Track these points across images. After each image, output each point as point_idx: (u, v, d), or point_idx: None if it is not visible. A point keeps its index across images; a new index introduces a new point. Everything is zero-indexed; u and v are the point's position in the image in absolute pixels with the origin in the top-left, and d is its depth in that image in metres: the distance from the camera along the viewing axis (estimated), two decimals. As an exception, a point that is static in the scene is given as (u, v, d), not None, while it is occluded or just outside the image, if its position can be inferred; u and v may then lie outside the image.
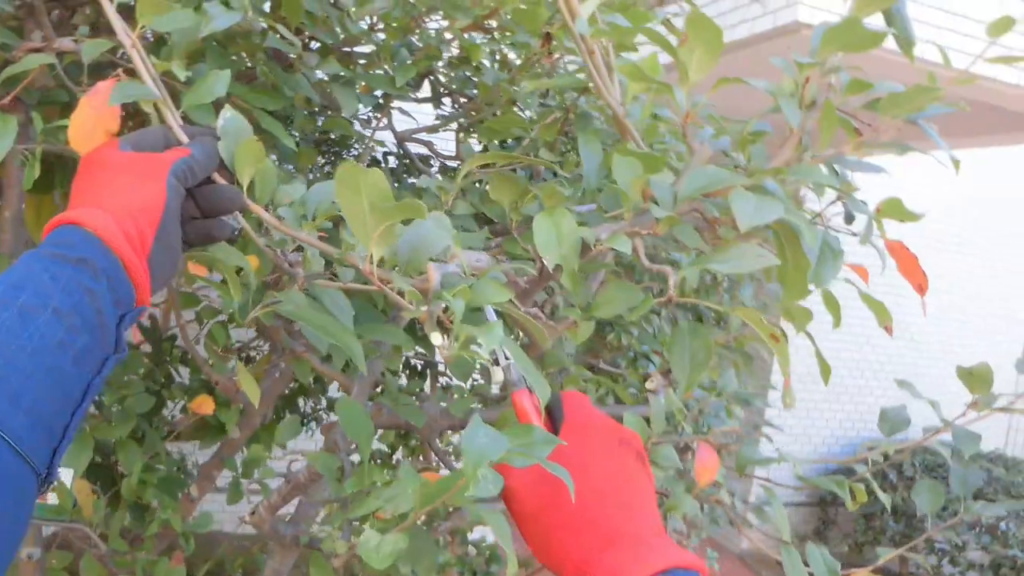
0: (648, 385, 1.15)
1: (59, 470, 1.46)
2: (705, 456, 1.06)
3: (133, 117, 1.24)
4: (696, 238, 0.81)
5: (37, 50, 1.18)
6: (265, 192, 0.91)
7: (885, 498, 1.35)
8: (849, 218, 1.15)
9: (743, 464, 1.31)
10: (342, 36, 1.48)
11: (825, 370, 1.49)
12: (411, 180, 1.90)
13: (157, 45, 1.35)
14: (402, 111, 1.93)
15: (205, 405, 1.44)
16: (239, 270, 0.93)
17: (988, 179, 7.03)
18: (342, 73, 1.39)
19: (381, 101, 1.70)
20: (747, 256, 0.74)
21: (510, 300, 0.76)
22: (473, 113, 1.70)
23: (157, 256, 0.75)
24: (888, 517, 4.76)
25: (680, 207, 0.79)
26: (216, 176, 0.85)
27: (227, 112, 0.93)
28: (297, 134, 1.74)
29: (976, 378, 1.12)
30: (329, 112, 1.71)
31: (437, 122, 1.80)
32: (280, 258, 0.98)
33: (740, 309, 0.75)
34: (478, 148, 1.84)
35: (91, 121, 0.91)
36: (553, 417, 0.79)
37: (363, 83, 1.56)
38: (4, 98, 1.14)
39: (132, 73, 0.97)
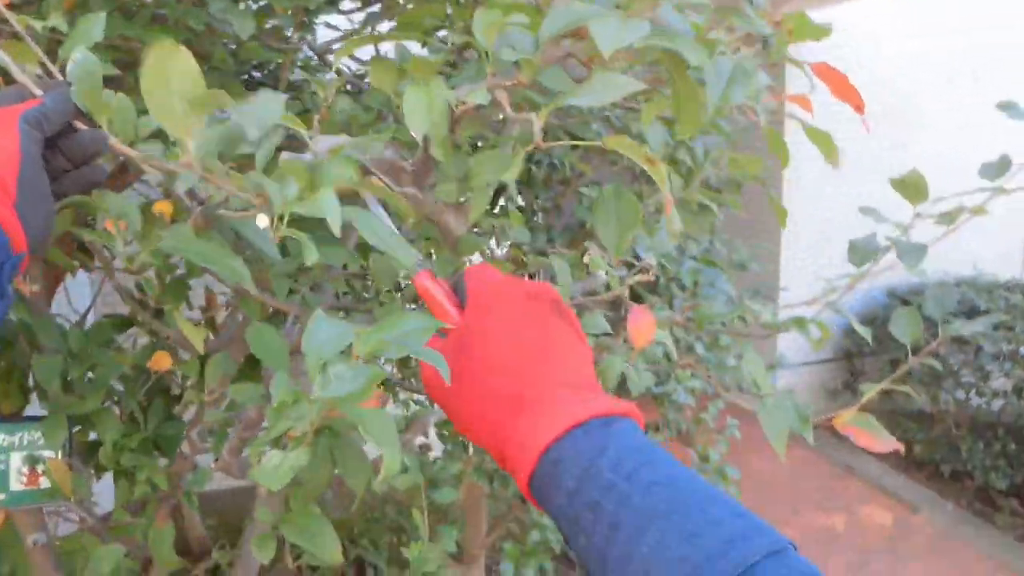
0: (585, 259, 1.10)
1: (44, 453, 1.45)
2: (638, 317, 1.01)
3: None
4: (564, 80, 0.75)
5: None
6: (126, 129, 0.87)
7: (864, 331, 1.30)
8: (764, 43, 1.08)
9: (702, 321, 1.27)
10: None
11: (781, 214, 1.44)
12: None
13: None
14: (329, 25, 1.86)
15: (162, 361, 1.42)
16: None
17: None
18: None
19: (304, 20, 1.64)
20: (610, 85, 0.68)
21: (381, 180, 0.72)
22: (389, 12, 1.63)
23: (26, 205, 0.72)
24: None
25: (544, 52, 0.73)
26: (78, 124, 0.82)
27: (77, 54, 0.89)
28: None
29: (910, 187, 1.06)
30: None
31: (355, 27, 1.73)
32: (177, 194, 0.94)
33: (612, 140, 0.70)
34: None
35: None
36: (458, 291, 0.76)
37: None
38: None
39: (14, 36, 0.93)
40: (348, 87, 1.78)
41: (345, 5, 1.76)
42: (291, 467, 0.66)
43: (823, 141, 1.11)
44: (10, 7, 1.27)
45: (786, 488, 4.25)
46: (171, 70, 0.61)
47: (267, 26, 1.73)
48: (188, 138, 0.63)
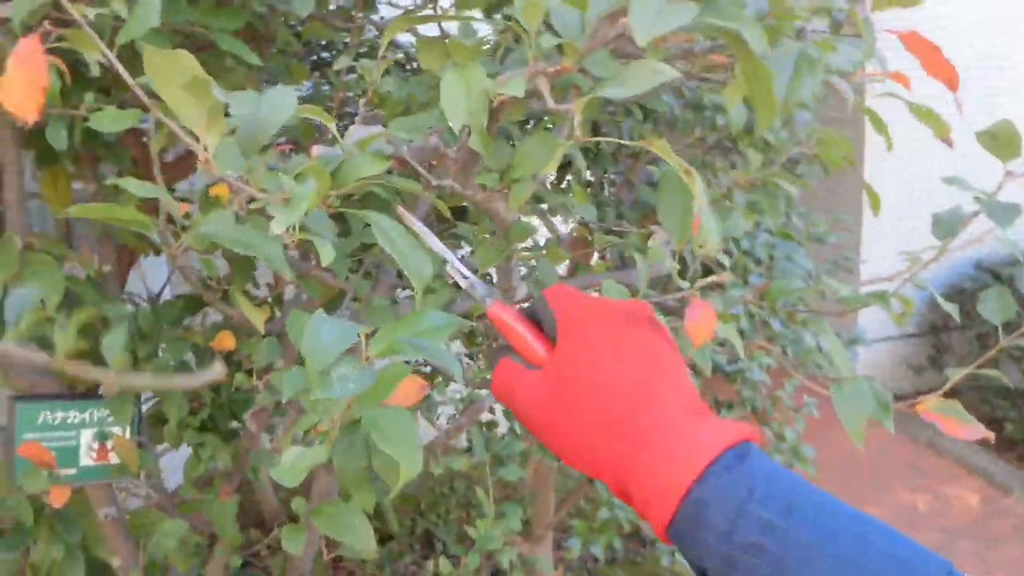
0: (651, 242, 1.06)
1: (113, 429, 1.48)
2: (698, 311, 0.96)
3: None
4: (612, 65, 0.71)
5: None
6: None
7: (951, 307, 1.24)
8: (835, 26, 1.02)
9: (774, 298, 1.21)
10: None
11: (875, 201, 1.37)
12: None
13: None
14: (392, 4, 1.84)
15: (226, 341, 1.42)
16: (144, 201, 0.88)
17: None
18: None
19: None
20: (642, 74, 0.63)
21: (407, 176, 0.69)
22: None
23: None
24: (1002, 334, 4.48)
25: (592, 35, 0.69)
26: None
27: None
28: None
29: (1000, 140, 0.98)
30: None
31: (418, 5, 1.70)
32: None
33: (650, 141, 0.65)
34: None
35: (22, 80, 0.88)
36: (542, 320, 0.70)
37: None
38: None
39: (68, 24, 0.93)
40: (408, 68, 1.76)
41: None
42: (309, 464, 0.64)
43: (930, 118, 1.05)
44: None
45: (867, 466, 4.14)
46: (173, 67, 0.59)
47: (332, 7, 1.72)
48: (206, 135, 0.61)
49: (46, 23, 1.00)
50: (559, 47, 0.69)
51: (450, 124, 0.72)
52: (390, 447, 0.58)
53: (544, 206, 1.75)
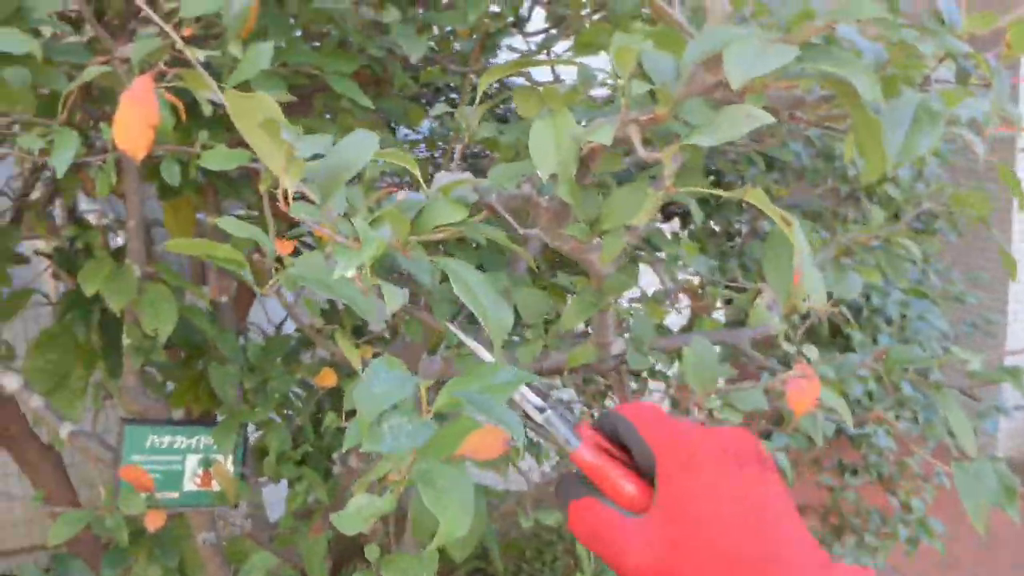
0: (757, 300, 1.00)
1: (219, 457, 1.50)
2: (800, 381, 0.89)
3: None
4: (708, 113, 0.67)
5: (105, 62, 1.20)
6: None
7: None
8: (962, 76, 0.94)
9: (892, 365, 1.13)
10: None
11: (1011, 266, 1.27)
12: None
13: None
14: (512, 48, 1.83)
15: (327, 378, 1.43)
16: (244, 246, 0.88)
17: None
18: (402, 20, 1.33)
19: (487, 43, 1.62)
20: (734, 119, 0.59)
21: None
22: (569, 32, 1.58)
23: None
24: None
25: (689, 82, 0.66)
26: None
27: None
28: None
29: None
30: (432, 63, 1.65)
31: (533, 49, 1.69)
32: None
33: (747, 191, 0.61)
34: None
35: (133, 118, 0.91)
36: (628, 444, 0.63)
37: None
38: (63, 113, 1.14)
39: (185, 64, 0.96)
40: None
41: (533, 25, 1.73)
42: (374, 514, 0.62)
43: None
44: (191, 38, 1.33)
45: (1009, 543, 3.86)
46: (253, 113, 0.59)
47: (454, 50, 1.73)
48: (284, 177, 0.60)
49: (161, 63, 1.03)
50: (651, 94, 0.65)
51: (538, 172, 0.69)
52: (436, 504, 0.55)
53: (662, 254, 1.71)
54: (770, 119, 0.60)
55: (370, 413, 0.51)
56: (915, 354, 1.13)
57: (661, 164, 0.74)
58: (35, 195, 1.78)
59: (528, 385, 0.62)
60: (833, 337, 2.17)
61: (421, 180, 0.67)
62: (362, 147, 0.63)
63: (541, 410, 0.63)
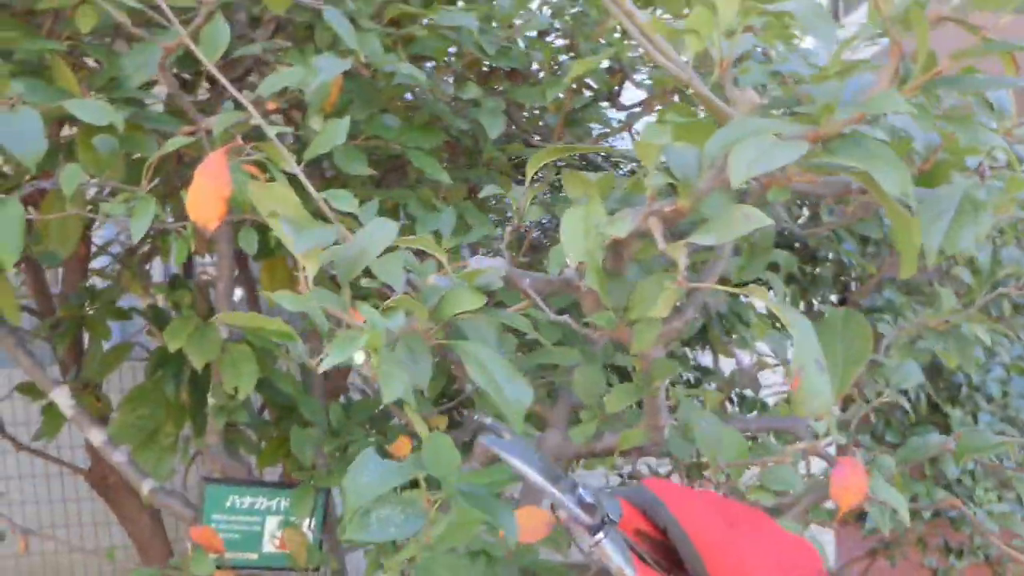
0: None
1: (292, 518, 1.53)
2: (846, 472, 0.86)
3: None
4: (729, 206, 0.67)
5: (191, 132, 1.27)
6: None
7: None
8: (1011, 162, 0.91)
9: (961, 454, 1.08)
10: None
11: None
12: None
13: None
14: (600, 121, 1.86)
15: (402, 447, 1.45)
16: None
17: None
18: (480, 97, 1.37)
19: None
20: (733, 220, 0.59)
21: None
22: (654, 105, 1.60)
23: None
24: None
25: (708, 175, 0.66)
26: None
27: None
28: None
29: None
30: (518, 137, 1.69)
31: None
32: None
33: (751, 290, 0.60)
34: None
35: (205, 191, 0.96)
36: (672, 537, 0.62)
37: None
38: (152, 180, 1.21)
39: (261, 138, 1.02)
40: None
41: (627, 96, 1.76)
42: None
43: None
44: (277, 111, 1.39)
45: None
46: (272, 200, 0.62)
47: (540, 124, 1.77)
48: (305, 262, 0.63)
49: (238, 137, 1.09)
50: (671, 186, 0.66)
51: (567, 260, 0.71)
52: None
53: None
54: (767, 221, 0.60)
55: (356, 500, 0.53)
56: (987, 440, 1.08)
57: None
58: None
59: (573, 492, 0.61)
60: (932, 414, 2.09)
61: (446, 265, 0.69)
62: (381, 236, 0.65)
63: (593, 531, 0.61)
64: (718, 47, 0.70)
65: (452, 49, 1.49)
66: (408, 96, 1.54)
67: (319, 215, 1.04)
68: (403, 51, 1.40)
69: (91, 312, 1.80)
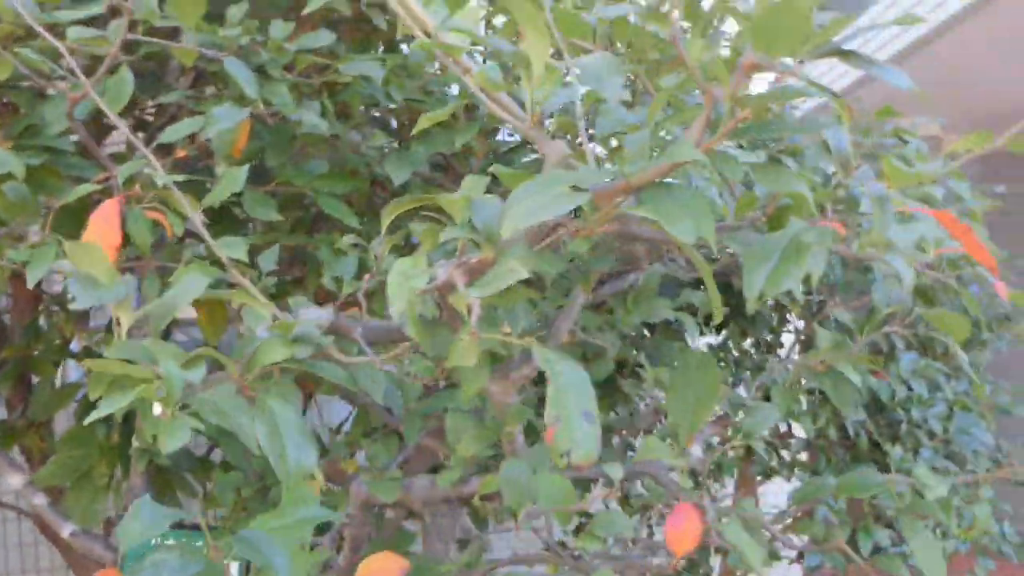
0: (653, 436, 0.99)
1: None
2: (680, 520, 0.87)
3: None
4: (528, 254, 0.69)
5: (104, 180, 1.29)
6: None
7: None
8: (851, 202, 0.94)
9: (841, 493, 1.08)
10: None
11: None
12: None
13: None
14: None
15: (314, 488, 1.47)
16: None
17: None
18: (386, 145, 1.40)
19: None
20: (502, 275, 0.62)
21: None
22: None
23: None
24: None
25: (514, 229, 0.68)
26: None
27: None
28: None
29: None
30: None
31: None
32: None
33: (657, 375, 0.63)
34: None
35: (97, 237, 0.99)
36: None
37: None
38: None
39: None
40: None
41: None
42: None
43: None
44: (186, 159, 1.42)
45: None
46: (85, 258, 0.65)
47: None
48: (119, 314, 0.66)
49: (138, 186, 1.12)
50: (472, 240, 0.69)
51: (389, 310, 0.73)
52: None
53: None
54: (523, 274, 0.62)
55: (129, 542, 0.55)
56: (872, 482, 1.09)
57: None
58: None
59: None
60: (873, 451, 2.09)
61: (273, 317, 0.71)
62: (190, 289, 0.68)
63: None
64: (531, 97, 0.73)
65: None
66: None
67: (217, 262, 1.07)
68: (328, 100, 1.44)
69: (36, 353, 1.83)
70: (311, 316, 0.76)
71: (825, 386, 1.16)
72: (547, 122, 0.81)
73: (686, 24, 1.00)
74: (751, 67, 0.71)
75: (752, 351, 2.01)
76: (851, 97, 5.55)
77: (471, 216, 0.69)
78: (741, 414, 1.14)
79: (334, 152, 1.50)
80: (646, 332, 1.76)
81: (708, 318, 1.87)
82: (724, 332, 1.99)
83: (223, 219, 1.55)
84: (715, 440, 1.18)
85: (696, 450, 0.95)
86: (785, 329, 2.17)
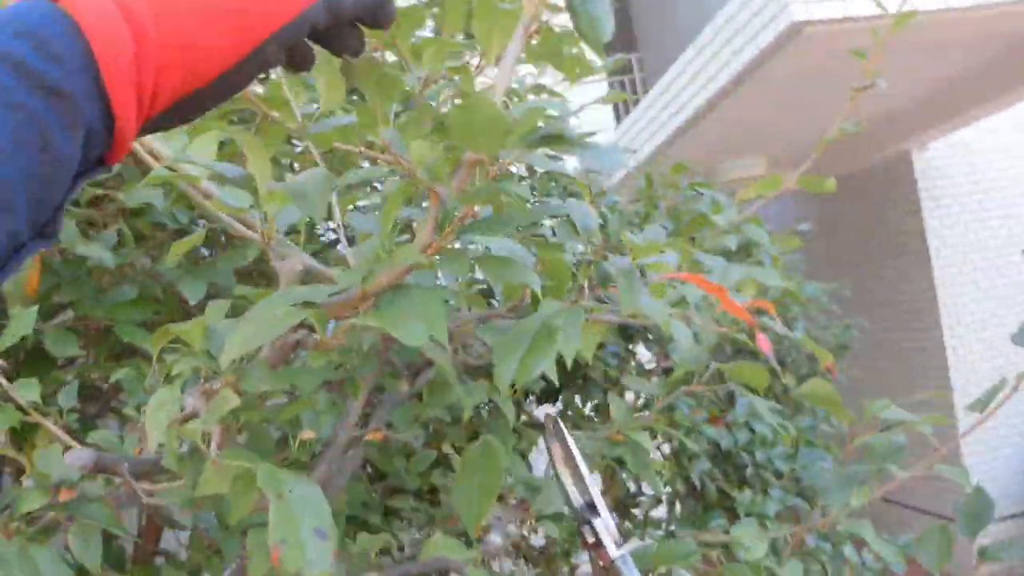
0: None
1: None
2: None
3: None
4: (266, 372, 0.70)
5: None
6: None
7: None
8: (602, 278, 0.99)
9: (656, 564, 1.10)
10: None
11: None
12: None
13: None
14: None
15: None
16: None
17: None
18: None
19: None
20: (264, 324, 0.62)
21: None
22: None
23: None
24: None
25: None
26: None
27: None
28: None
29: None
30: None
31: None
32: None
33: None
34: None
35: None
36: None
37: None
38: None
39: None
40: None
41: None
42: None
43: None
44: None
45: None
46: None
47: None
48: None
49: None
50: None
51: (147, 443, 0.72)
52: None
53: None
54: (235, 402, 0.64)
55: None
56: (684, 548, 1.10)
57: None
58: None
59: None
60: (723, 499, 2.15)
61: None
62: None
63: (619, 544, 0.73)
64: (262, 215, 0.74)
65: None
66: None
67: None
68: (123, 223, 1.43)
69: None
70: (74, 458, 0.74)
71: (624, 455, 1.18)
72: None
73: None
74: (474, 163, 0.74)
75: (593, 415, 2.04)
76: (661, 154, 5.82)
77: (208, 344, 0.70)
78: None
79: (132, 279, 1.48)
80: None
81: (544, 391, 1.91)
82: (560, 399, 2.02)
83: (36, 357, 1.50)
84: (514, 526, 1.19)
85: (495, 538, 0.96)
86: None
